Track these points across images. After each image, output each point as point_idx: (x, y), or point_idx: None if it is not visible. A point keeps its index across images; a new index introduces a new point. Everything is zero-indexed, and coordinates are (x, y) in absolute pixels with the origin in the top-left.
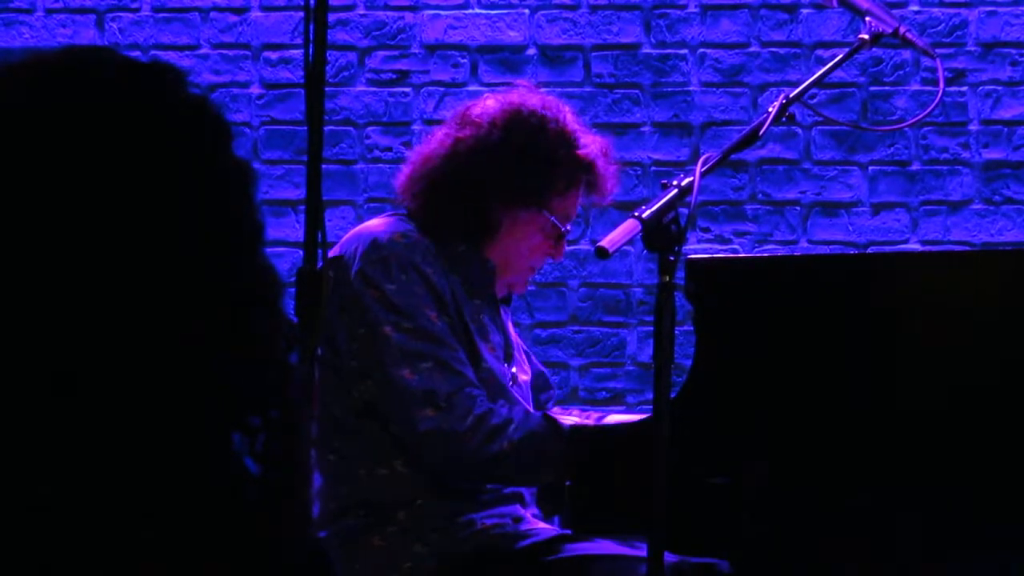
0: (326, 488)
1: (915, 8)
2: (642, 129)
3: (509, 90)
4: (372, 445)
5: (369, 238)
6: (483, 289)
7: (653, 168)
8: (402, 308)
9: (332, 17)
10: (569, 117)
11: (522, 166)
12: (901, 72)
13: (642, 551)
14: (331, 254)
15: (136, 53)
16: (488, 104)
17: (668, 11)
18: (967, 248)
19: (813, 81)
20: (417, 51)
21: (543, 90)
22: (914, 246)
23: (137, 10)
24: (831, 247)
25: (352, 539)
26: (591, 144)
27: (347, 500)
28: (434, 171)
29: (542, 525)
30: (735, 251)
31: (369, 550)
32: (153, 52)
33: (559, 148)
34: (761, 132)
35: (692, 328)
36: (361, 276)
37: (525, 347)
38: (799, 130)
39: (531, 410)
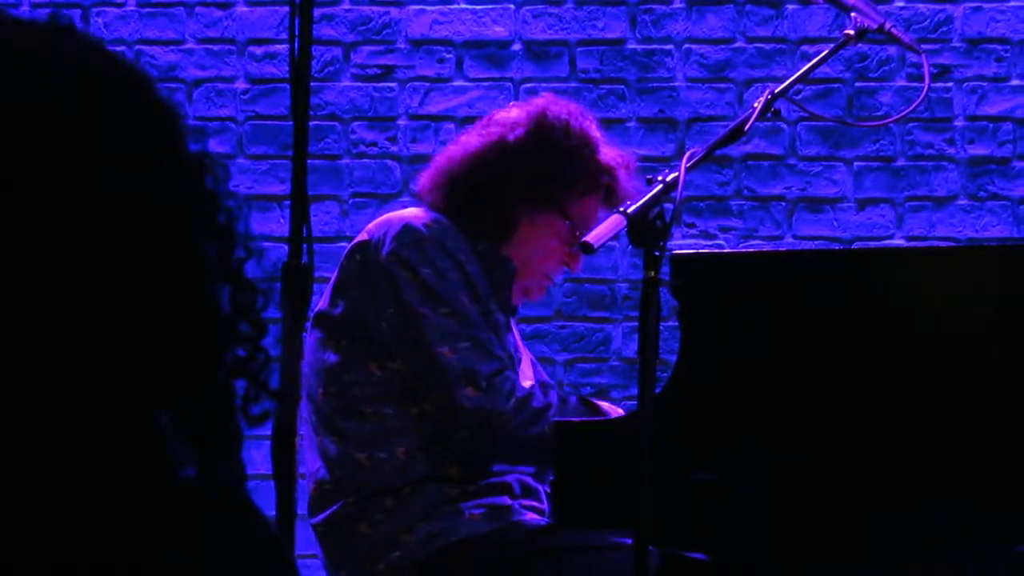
0: (323, 472)
1: (900, 4)
2: (627, 124)
3: (535, 97)
4: (380, 428)
5: (402, 223)
6: (501, 290)
7: (639, 164)
8: (438, 292)
9: (317, 12)
10: (593, 126)
11: (542, 165)
12: (886, 68)
13: (626, 543)
14: (356, 240)
15: (121, 48)
16: (513, 110)
17: (654, 6)
18: (952, 244)
19: (798, 77)
20: (402, 46)
21: (569, 99)
22: (899, 242)
23: (122, 5)
24: (816, 243)
25: (340, 526)
26: (613, 153)
27: (340, 485)
28: (455, 170)
29: (530, 515)
30: (720, 247)
31: (356, 537)
32: (138, 47)
33: (580, 150)
34: (746, 128)
35: (677, 323)
36: (395, 257)
37: (532, 358)
38: (784, 126)
39: (568, 396)
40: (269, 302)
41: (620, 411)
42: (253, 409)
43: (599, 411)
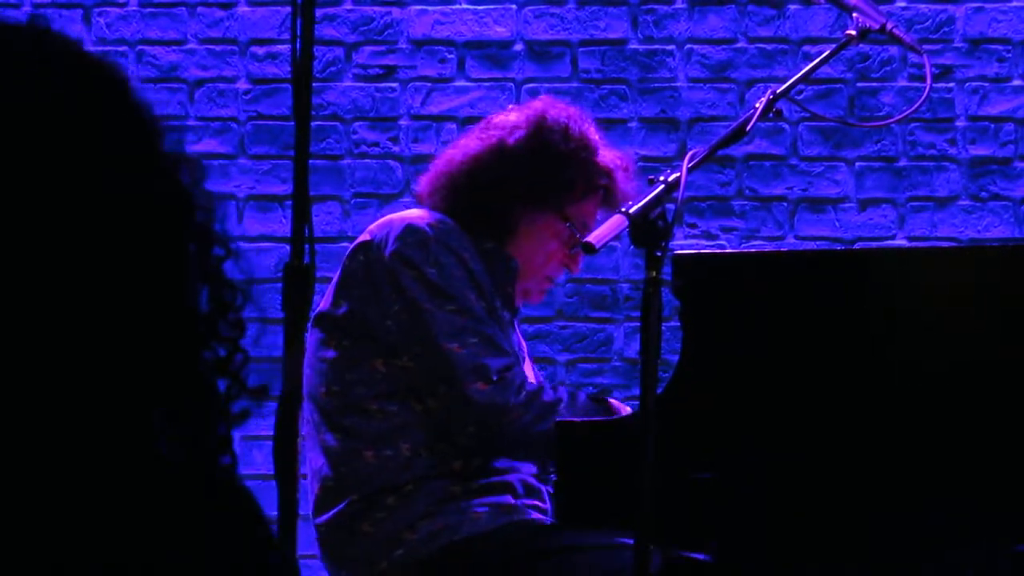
0: (326, 470)
1: (902, 4)
2: (629, 124)
3: (533, 100)
4: (385, 426)
5: (404, 223)
6: (504, 287)
7: (640, 164)
8: (443, 289)
9: (319, 12)
10: (592, 128)
11: (541, 167)
12: (888, 68)
13: (628, 543)
14: (358, 241)
15: (123, 48)
16: (512, 113)
17: (655, 7)
18: (954, 244)
19: (800, 77)
20: (404, 46)
21: (567, 102)
22: (901, 242)
23: (124, 5)
24: (818, 243)
25: (343, 524)
26: (612, 155)
27: (344, 481)
28: (455, 172)
29: (533, 515)
30: (722, 247)
31: (358, 536)
32: (140, 47)
33: (579, 153)
34: (748, 128)
35: (679, 324)
36: (398, 256)
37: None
38: (786, 126)
39: (577, 393)
40: (247, 301)
41: (628, 409)
42: (233, 407)
43: (609, 409)
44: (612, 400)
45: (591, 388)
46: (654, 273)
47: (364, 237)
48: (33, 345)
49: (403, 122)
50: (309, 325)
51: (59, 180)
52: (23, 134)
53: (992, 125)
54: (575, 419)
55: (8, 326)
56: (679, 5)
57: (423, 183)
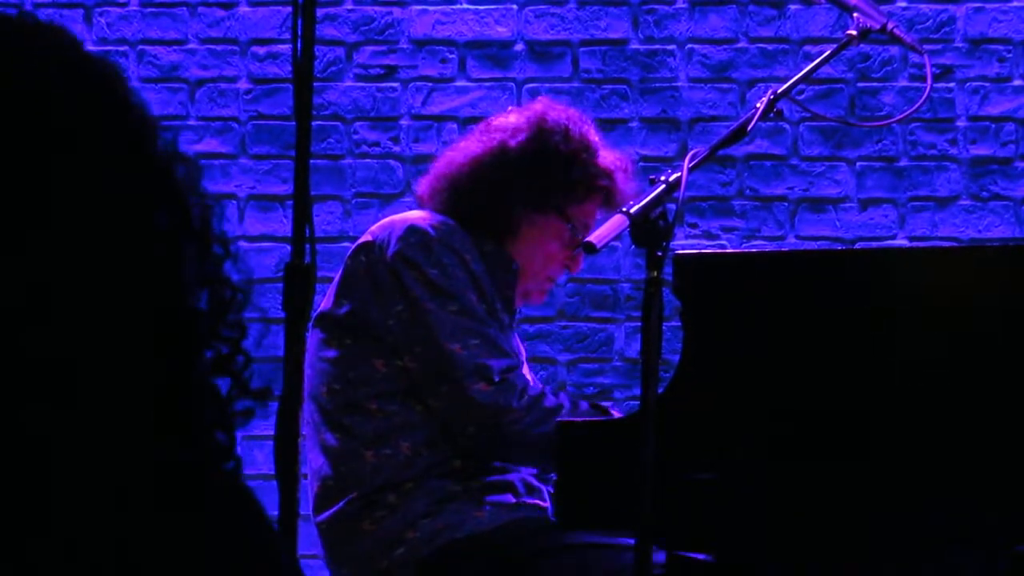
0: (326, 469)
1: (903, 4)
2: (630, 124)
3: (532, 102)
4: (385, 425)
5: (406, 224)
6: (504, 290)
7: (641, 164)
8: (445, 290)
9: (320, 12)
10: (592, 130)
11: (542, 169)
12: (889, 68)
13: (628, 543)
14: (359, 241)
15: (124, 48)
16: (512, 115)
17: (656, 7)
18: (955, 244)
19: (801, 77)
20: (405, 46)
21: (566, 103)
22: (901, 242)
23: (125, 4)
24: (819, 243)
25: (344, 523)
26: (612, 156)
27: (345, 481)
28: (457, 175)
29: (534, 515)
30: (722, 247)
31: (359, 535)
32: (141, 47)
33: (579, 154)
34: (749, 128)
35: (679, 323)
36: (400, 257)
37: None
38: (787, 126)
39: (578, 400)
40: (248, 302)
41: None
42: (235, 408)
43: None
44: (613, 410)
45: (592, 388)
46: (655, 273)
47: (366, 238)
48: (26, 346)
49: (404, 122)
50: (310, 325)
51: (52, 178)
52: (13, 131)
53: (993, 125)
54: (575, 419)
55: (1, 328)
56: (680, 5)
57: (423, 185)
